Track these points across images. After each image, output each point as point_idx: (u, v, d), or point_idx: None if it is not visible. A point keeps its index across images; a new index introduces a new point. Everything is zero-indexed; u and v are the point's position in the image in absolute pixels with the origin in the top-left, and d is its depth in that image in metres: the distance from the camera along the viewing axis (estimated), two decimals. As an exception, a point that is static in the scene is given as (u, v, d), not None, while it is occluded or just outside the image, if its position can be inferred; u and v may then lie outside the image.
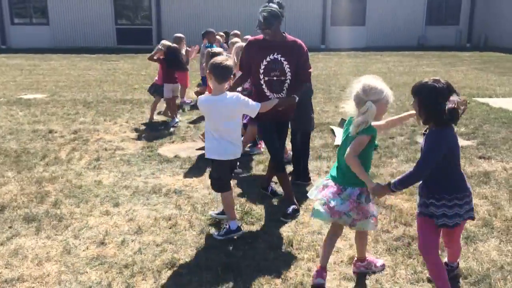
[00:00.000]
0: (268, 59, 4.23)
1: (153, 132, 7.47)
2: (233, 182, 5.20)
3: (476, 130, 7.29)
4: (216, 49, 6.45)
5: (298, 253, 3.70)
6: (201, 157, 6.03)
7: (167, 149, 6.53)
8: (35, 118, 8.29)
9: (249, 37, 8.67)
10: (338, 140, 6.75)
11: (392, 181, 2.94)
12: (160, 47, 7.89)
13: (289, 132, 4.95)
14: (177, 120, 7.95)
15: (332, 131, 7.30)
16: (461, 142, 6.68)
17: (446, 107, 2.73)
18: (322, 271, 3.26)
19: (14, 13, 23.55)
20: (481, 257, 3.60)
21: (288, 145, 5.65)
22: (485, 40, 24.29)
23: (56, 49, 21.89)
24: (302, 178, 5.25)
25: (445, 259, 3.36)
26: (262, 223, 4.24)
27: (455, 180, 2.91)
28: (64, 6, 23.20)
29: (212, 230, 4.08)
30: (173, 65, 7.81)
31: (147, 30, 24.04)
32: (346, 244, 3.83)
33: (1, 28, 23.15)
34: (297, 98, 4.29)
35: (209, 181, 4.40)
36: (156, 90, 8.14)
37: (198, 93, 8.94)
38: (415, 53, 20.59)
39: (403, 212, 4.37)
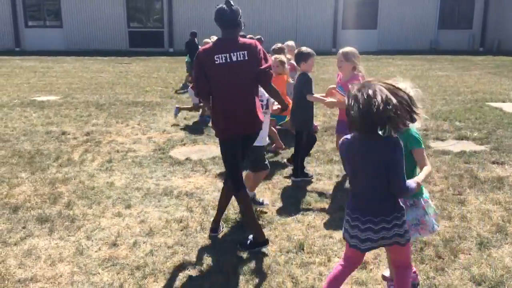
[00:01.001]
0: None
1: (165, 134, 7.51)
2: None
3: (489, 135, 7.22)
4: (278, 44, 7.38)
5: (309, 257, 3.69)
6: (212, 160, 6.04)
7: (178, 151, 6.56)
8: (49, 120, 8.38)
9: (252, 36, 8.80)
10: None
11: None
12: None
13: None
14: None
15: (344, 135, 7.27)
16: (474, 147, 6.62)
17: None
18: None
19: (28, 15, 23.87)
20: (495, 263, 3.55)
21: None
22: (498, 44, 24.05)
23: (69, 51, 22.12)
24: (296, 175, 5.41)
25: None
26: (273, 226, 4.23)
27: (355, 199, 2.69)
28: (77, 9, 23.47)
29: (224, 231, 4.09)
30: None
31: (159, 33, 24.21)
32: (357, 249, 3.80)
33: (16, 30, 23.48)
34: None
35: (219, 184, 4.47)
36: None
37: None
38: (427, 57, 20.45)
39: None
